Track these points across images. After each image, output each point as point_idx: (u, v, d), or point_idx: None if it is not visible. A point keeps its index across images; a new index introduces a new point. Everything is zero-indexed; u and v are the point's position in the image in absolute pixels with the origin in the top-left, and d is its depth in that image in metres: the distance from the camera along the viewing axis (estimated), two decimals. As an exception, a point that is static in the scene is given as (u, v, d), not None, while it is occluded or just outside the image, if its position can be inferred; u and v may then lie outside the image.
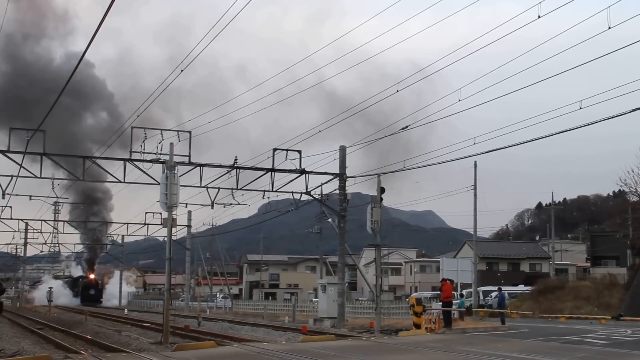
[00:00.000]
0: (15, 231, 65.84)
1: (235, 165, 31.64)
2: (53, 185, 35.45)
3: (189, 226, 61.74)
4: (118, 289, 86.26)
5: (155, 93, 28.02)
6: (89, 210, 78.42)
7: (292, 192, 34.57)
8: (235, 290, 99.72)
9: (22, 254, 76.40)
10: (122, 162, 30.23)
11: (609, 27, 18.32)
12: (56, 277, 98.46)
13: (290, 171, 32.41)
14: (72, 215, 78.51)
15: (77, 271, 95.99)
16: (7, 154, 28.38)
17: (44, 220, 65.14)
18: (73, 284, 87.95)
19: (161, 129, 28.48)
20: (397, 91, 26.28)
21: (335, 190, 34.63)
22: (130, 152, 28.95)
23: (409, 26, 26.46)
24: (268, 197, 36.01)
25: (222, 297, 76.53)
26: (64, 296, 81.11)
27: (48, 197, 47.52)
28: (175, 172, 23.36)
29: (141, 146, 28.56)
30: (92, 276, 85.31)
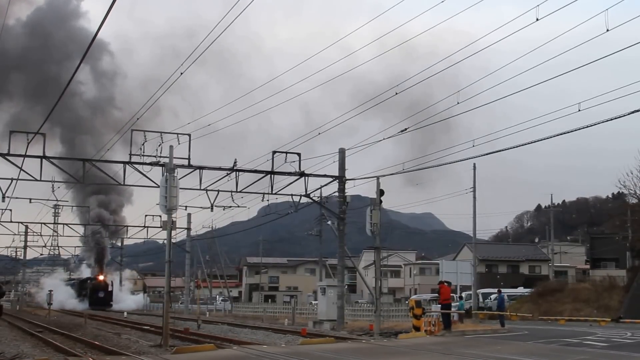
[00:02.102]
0: (15, 234, 65.95)
1: (235, 167, 31.66)
2: (53, 188, 35.48)
3: (188, 229, 61.70)
4: (124, 293, 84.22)
5: (157, 92, 28.03)
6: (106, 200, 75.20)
7: (292, 195, 34.59)
8: (234, 292, 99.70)
9: (22, 257, 76.26)
10: (122, 164, 30.26)
11: (607, 30, 18.38)
12: (70, 280, 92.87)
13: (290, 174, 32.42)
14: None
15: (80, 273, 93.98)
16: (7, 157, 28.38)
17: (44, 223, 65.21)
18: (80, 286, 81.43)
19: (161, 132, 28.52)
20: (396, 94, 26.32)
21: (334, 192, 34.67)
22: (130, 154, 28.98)
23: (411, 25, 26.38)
24: (267, 200, 36.05)
25: (222, 300, 76.48)
26: (69, 299, 77.38)
27: (48, 200, 47.61)
28: (175, 174, 23.38)
29: (141, 149, 28.60)
30: (101, 277, 78.03)
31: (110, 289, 77.19)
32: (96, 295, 74.90)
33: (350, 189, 34.58)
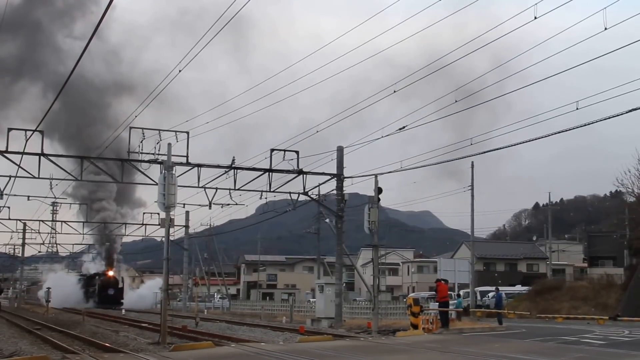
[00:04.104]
0: (13, 231, 65.85)
1: (233, 165, 31.68)
2: (51, 185, 35.43)
3: (186, 226, 61.67)
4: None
5: (156, 90, 28.04)
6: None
7: (290, 193, 34.62)
8: (232, 290, 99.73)
9: (20, 255, 76.19)
10: (120, 162, 30.30)
11: (605, 28, 18.40)
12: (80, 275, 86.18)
13: (288, 172, 32.47)
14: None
15: (80, 269, 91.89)
16: (5, 154, 28.38)
17: (42, 221, 65.10)
18: (87, 283, 75.87)
19: (159, 129, 28.54)
20: (395, 91, 26.35)
21: (332, 190, 34.70)
22: (129, 152, 29.00)
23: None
24: (266, 198, 36.11)
25: (220, 298, 76.39)
26: (74, 296, 73.02)
27: (46, 197, 47.52)
28: (173, 172, 23.38)
29: (139, 146, 28.63)
30: (110, 273, 72.03)
31: (120, 285, 71.83)
32: (105, 292, 69.54)
33: (349, 187, 34.66)
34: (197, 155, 31.17)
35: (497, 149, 25.95)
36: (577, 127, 22.08)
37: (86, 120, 67.21)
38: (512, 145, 25.45)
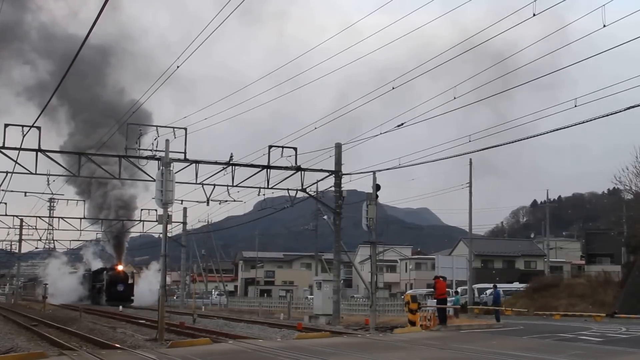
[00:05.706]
0: (10, 227, 65.69)
1: (231, 162, 31.63)
2: (48, 181, 35.39)
3: (184, 223, 61.61)
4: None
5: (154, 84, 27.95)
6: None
7: (288, 189, 34.60)
8: (230, 287, 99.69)
9: (17, 251, 76.06)
10: (118, 158, 30.24)
11: (604, 26, 18.36)
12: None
13: (286, 168, 32.42)
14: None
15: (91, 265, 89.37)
16: (2, 150, 28.30)
17: (39, 217, 65.01)
18: (94, 278, 70.91)
19: (157, 126, 28.50)
20: (393, 88, 26.32)
21: (330, 187, 34.66)
22: (126, 148, 28.93)
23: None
24: (263, 194, 36.06)
25: (218, 294, 76.35)
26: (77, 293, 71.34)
27: (43, 193, 47.45)
28: (171, 168, 23.34)
29: (137, 142, 28.59)
30: (120, 267, 66.76)
31: (130, 281, 66.82)
32: (114, 288, 64.10)
33: (347, 184, 34.61)
34: (219, 149, 31.19)
35: (496, 147, 25.82)
36: (574, 125, 21.99)
37: (80, 84, 64.50)
38: (510, 143, 25.31)
